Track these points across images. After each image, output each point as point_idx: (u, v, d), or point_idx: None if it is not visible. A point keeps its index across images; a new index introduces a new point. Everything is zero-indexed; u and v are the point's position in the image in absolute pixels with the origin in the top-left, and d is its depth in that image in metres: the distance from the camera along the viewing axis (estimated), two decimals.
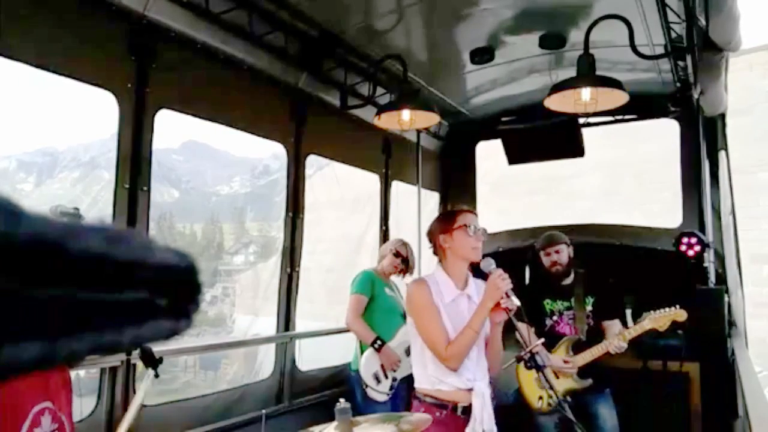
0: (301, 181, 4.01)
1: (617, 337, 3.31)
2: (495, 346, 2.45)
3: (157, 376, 2.41)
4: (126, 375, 2.81)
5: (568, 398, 3.33)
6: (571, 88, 3.27)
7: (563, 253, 3.55)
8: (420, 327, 2.39)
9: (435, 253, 2.54)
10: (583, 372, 3.42)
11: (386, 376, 3.79)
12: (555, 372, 3.43)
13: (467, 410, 2.33)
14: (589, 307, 3.50)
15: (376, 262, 4.23)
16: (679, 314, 3.31)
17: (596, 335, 3.43)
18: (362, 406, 3.63)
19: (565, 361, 3.42)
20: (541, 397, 3.43)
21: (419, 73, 4.32)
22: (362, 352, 3.84)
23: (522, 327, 2.34)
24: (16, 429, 1.24)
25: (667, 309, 3.33)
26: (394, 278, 4.15)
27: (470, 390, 2.35)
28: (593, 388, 3.46)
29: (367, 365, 3.78)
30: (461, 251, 2.42)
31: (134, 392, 2.85)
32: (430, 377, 2.38)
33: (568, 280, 3.59)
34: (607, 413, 3.45)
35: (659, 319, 3.31)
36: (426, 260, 4.70)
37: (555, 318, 3.54)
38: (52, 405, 1.35)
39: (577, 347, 3.44)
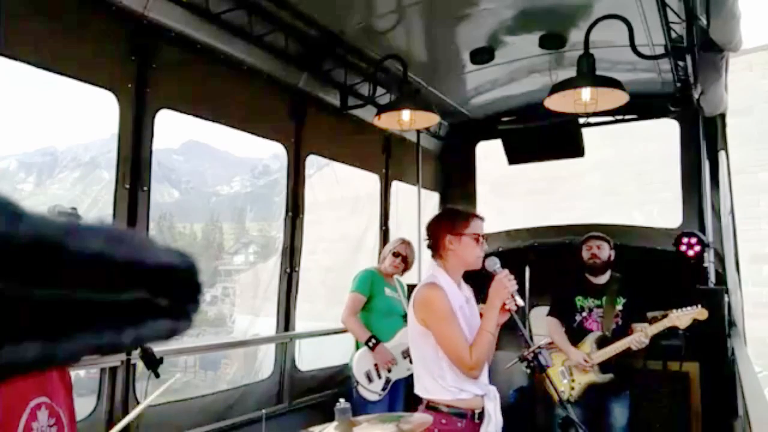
0: (301, 181, 4.01)
1: (639, 333, 3.40)
2: (492, 347, 2.44)
3: (157, 376, 2.41)
4: (126, 375, 2.81)
5: (570, 399, 3.38)
6: (571, 88, 3.27)
7: (604, 250, 3.67)
8: (441, 335, 2.26)
9: (431, 247, 2.45)
10: (605, 367, 3.51)
11: (379, 376, 3.78)
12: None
13: (481, 415, 2.32)
14: (619, 307, 3.59)
15: (375, 262, 4.22)
16: (702, 313, 3.40)
17: (623, 335, 3.50)
18: (355, 404, 3.61)
19: (585, 360, 3.51)
20: (563, 390, 3.54)
21: (419, 73, 4.32)
22: (358, 348, 3.84)
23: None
24: (14, 422, 1.25)
25: (689, 308, 3.42)
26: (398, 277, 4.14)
27: (484, 395, 2.34)
28: (614, 387, 3.54)
29: (359, 363, 3.77)
30: (466, 258, 2.37)
31: (134, 392, 2.85)
32: (450, 388, 2.28)
33: (602, 279, 3.68)
34: (620, 413, 3.54)
35: (682, 317, 3.40)
36: (426, 260, 4.71)
37: (584, 314, 3.64)
38: (49, 400, 1.35)
39: (602, 343, 3.53)
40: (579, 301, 3.66)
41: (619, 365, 3.51)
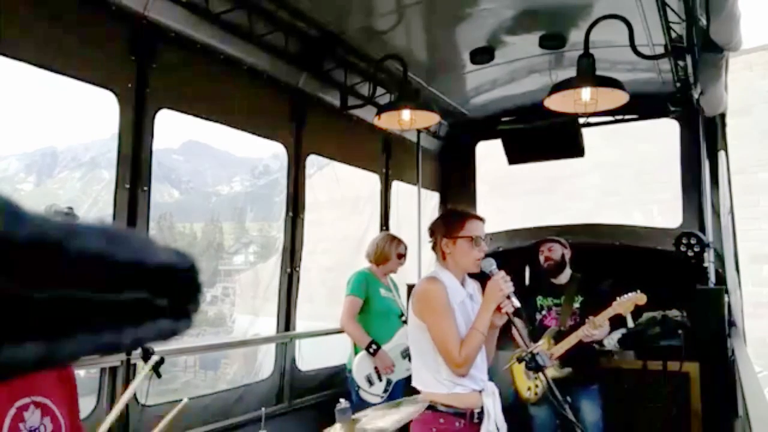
0: (301, 181, 4.01)
1: (588, 324, 3.48)
2: (489, 347, 2.42)
3: (159, 376, 2.41)
4: (126, 375, 2.81)
5: (569, 399, 3.37)
6: (571, 88, 3.27)
7: (556, 251, 3.80)
8: (434, 329, 2.28)
9: (434, 249, 2.47)
10: (564, 362, 3.57)
11: (380, 379, 3.78)
12: None
13: (481, 415, 2.32)
14: (576, 305, 3.69)
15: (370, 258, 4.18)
16: (640, 298, 3.49)
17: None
18: (357, 407, 3.60)
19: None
20: (529, 388, 3.63)
21: (419, 73, 4.32)
22: (356, 352, 3.82)
23: (520, 325, 2.34)
24: None
25: (629, 294, 3.51)
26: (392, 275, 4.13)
27: (481, 391, 2.34)
28: (580, 382, 3.57)
29: (360, 368, 3.76)
30: (462, 261, 2.37)
31: (134, 392, 2.85)
32: (445, 381, 2.29)
33: (562, 279, 3.78)
34: (589, 408, 3.58)
35: (623, 303, 3.49)
36: (427, 260, 4.71)
37: (544, 312, 3.75)
38: (42, 399, 1.35)
39: (558, 338, 3.61)
40: (539, 300, 3.78)
41: (580, 359, 3.55)
